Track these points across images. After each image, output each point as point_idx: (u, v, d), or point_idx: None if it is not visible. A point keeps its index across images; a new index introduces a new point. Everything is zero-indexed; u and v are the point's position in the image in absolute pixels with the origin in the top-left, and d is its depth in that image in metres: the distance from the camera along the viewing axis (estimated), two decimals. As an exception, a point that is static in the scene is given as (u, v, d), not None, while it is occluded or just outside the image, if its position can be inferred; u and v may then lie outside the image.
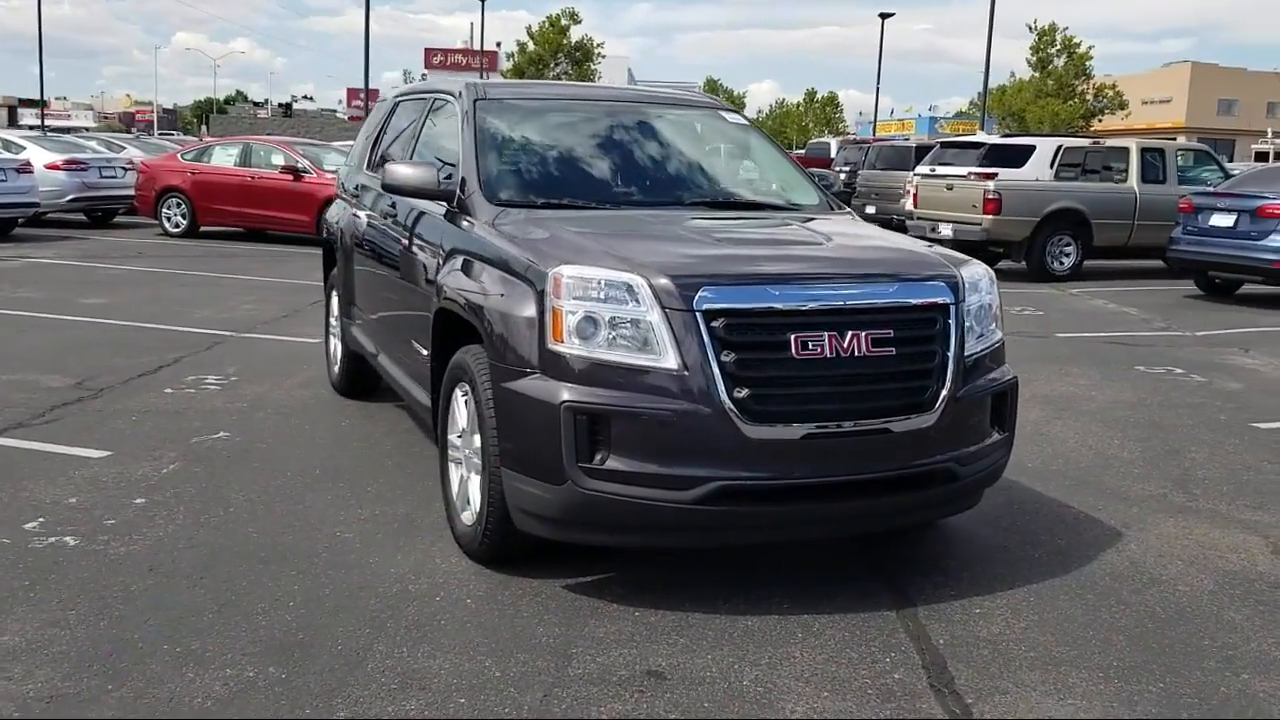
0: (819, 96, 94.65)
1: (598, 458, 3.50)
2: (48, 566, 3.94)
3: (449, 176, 4.61)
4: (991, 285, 4.13)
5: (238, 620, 3.55)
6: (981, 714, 3.09)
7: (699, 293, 3.52)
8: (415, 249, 4.90)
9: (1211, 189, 13.69)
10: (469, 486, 4.10)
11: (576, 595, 3.82)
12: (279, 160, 17.00)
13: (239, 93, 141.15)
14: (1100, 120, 53.10)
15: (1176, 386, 7.78)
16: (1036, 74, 53.34)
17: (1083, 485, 5.28)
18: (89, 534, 4.28)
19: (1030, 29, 53.12)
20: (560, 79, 55.35)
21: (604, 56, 57.70)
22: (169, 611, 3.60)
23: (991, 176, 14.72)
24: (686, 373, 3.48)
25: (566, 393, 3.51)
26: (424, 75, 39.94)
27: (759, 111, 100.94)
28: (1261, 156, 40.47)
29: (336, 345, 6.78)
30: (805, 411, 3.57)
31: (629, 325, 3.54)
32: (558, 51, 55.82)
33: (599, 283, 3.58)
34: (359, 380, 6.59)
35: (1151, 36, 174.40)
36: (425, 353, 4.68)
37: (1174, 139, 18.38)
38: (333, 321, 6.88)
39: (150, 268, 13.39)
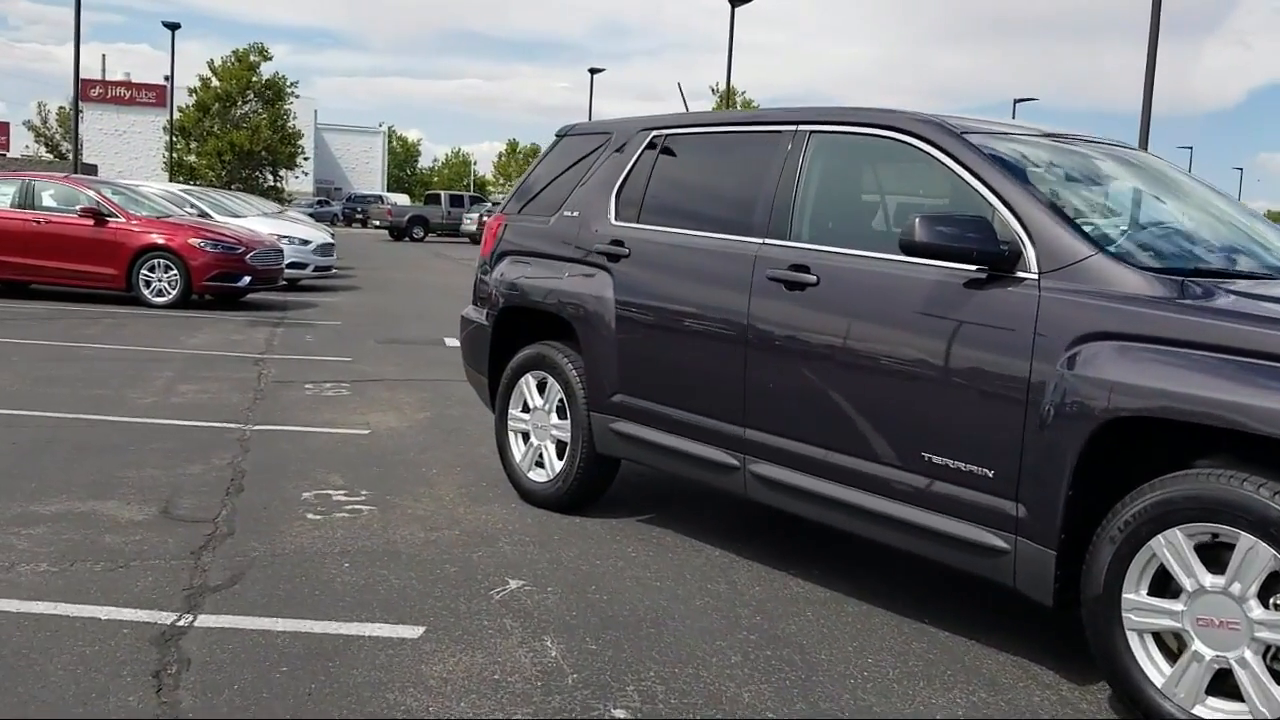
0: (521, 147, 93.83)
1: None
2: None
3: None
4: None
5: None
6: None
7: None
8: (953, 331, 3.59)
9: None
10: None
11: None
12: (56, 200, 13.98)
13: None
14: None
15: None
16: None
17: None
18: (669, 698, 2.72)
19: (713, 91, 55.98)
20: (249, 118, 51.38)
21: (298, 96, 54.14)
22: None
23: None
24: None
25: None
26: (76, 108, 33.70)
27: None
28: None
29: (538, 447, 5.18)
30: None
31: None
32: (246, 89, 51.70)
33: None
34: (590, 491, 5.07)
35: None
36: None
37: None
38: (522, 415, 5.27)
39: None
